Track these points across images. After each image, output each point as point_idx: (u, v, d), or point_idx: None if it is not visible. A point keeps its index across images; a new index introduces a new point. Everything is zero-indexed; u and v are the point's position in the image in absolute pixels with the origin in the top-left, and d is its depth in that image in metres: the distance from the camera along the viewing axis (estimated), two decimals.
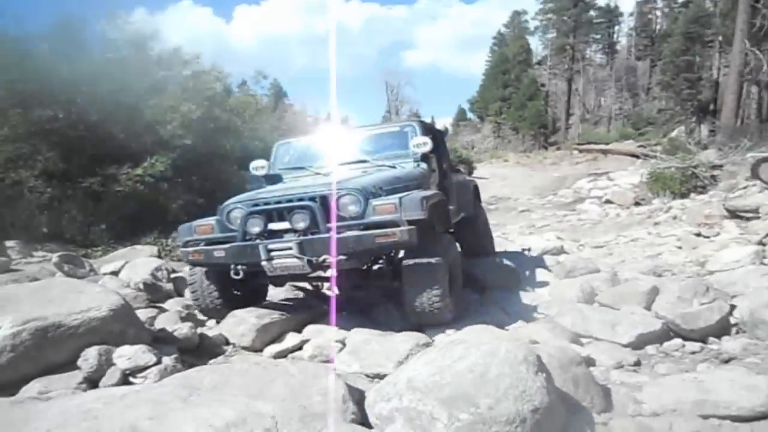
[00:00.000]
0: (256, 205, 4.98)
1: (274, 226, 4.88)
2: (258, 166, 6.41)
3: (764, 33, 27.37)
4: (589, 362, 4.19)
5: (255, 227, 4.87)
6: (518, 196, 22.20)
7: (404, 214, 4.53)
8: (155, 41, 11.74)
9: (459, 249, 6.60)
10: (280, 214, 4.87)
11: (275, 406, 2.15)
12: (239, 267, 4.93)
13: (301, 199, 4.83)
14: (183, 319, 5.34)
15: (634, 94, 57.72)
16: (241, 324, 5.06)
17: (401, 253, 5.21)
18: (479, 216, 8.05)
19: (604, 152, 36.33)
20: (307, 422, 2.09)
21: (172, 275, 6.94)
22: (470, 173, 27.51)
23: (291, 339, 4.99)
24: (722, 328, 5.04)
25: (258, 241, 4.83)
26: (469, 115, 62.33)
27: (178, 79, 11.09)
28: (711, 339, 4.94)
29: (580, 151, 39.46)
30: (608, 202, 16.88)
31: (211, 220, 5.26)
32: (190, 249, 5.19)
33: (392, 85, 56.36)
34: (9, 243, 8.34)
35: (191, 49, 12.23)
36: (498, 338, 4.01)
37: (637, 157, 28.04)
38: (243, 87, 14.13)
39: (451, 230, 6.57)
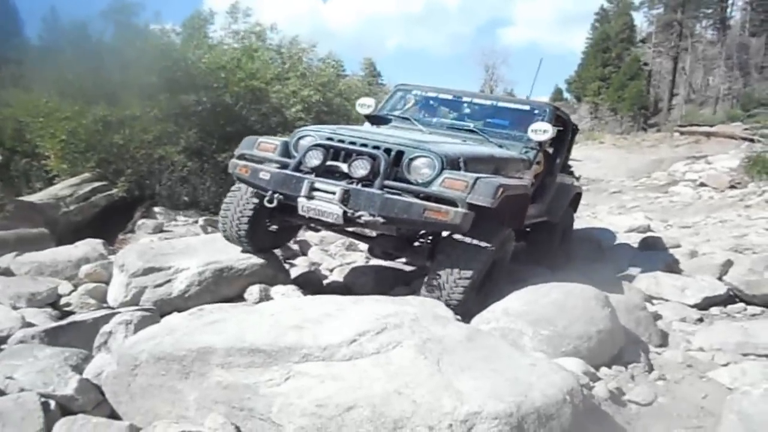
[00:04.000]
0: (330, 139, 4.55)
1: (333, 164, 4.42)
2: (364, 104, 6.02)
3: None
4: (656, 316, 4.97)
5: (313, 160, 4.43)
6: (611, 178, 22.36)
7: (472, 197, 3.95)
8: (273, 32, 13.12)
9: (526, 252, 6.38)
10: (347, 155, 4.39)
11: (416, 309, 3.16)
12: (276, 195, 4.40)
13: (375, 147, 4.33)
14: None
15: (745, 73, 54.66)
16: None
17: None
18: (563, 226, 6.95)
19: (708, 135, 35.11)
20: (437, 319, 3.08)
21: (298, 239, 8.09)
22: None
23: None
24: None
25: (306, 175, 4.39)
26: (566, 95, 61.01)
27: (297, 68, 12.33)
28: None
29: (682, 133, 38.28)
30: (702, 185, 16.99)
31: (277, 140, 4.88)
32: (241, 162, 4.76)
33: (488, 65, 56.07)
34: (156, 209, 9.81)
35: (307, 38, 13.51)
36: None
37: (743, 140, 27.32)
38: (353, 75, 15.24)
39: (526, 228, 6.10)
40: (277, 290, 5.12)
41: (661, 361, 3.90)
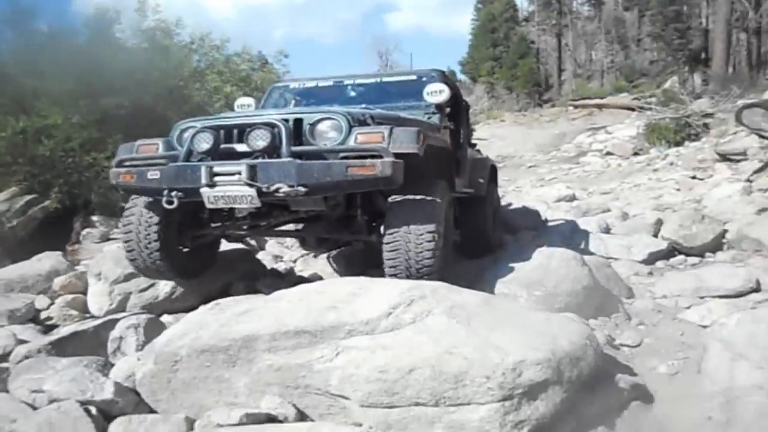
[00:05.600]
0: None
1: (227, 147, 3.95)
2: (242, 104, 5.63)
3: None
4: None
5: (203, 143, 3.88)
6: (522, 153, 23.37)
7: (393, 146, 3.61)
8: (180, 27, 12.88)
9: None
10: (240, 134, 3.93)
11: (428, 282, 3.45)
12: (174, 194, 3.87)
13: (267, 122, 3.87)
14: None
15: (624, 46, 57.81)
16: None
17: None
18: (490, 200, 6.40)
19: (600, 107, 36.92)
20: (450, 289, 3.36)
21: None
22: None
23: None
24: (716, 245, 6.33)
25: (201, 162, 3.87)
26: (460, 76, 62.30)
27: (215, 65, 12.24)
28: (707, 254, 6.22)
29: (576, 107, 40.04)
30: (609, 153, 18.10)
31: (157, 140, 4.31)
32: (122, 169, 4.18)
33: (381, 51, 56.56)
34: (94, 218, 9.56)
35: (217, 34, 13.32)
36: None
37: (633, 109, 29.02)
38: (266, 66, 15.12)
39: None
40: (263, 283, 5.24)
41: (634, 309, 4.37)
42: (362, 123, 3.92)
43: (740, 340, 3.15)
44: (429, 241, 3.79)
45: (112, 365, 3.66)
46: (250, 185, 3.70)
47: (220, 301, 3.96)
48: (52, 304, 5.17)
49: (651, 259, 6.01)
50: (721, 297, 4.50)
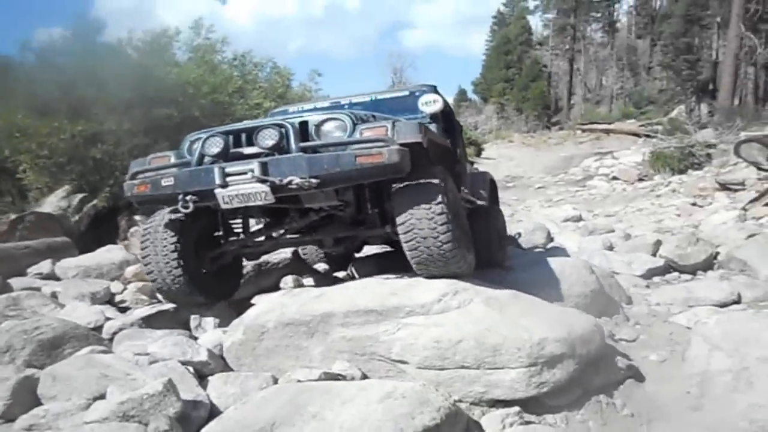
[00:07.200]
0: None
1: (237, 151, 4.08)
2: None
3: (759, 17, 29.30)
4: None
5: (214, 147, 4.01)
6: (531, 174, 24.23)
7: (398, 137, 3.74)
8: (225, 44, 13.86)
9: None
10: (249, 137, 4.08)
11: (469, 285, 4.24)
12: (189, 197, 3.96)
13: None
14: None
15: (635, 73, 58.58)
16: None
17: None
18: (493, 215, 6.13)
19: (607, 132, 37.60)
20: (484, 285, 4.15)
21: None
22: (479, 154, 29.30)
23: None
24: (708, 265, 7.09)
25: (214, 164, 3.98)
26: (471, 95, 62.73)
27: (255, 81, 13.15)
28: (699, 272, 6.98)
29: (583, 130, 40.76)
30: (615, 178, 18.95)
31: (168, 153, 4.46)
32: (136, 180, 4.28)
33: (396, 68, 57.36)
34: (137, 217, 10.39)
35: (261, 53, 14.32)
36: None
37: (639, 136, 29.84)
38: (301, 85, 16.01)
39: None
40: (308, 280, 6.02)
41: (632, 313, 5.15)
42: (365, 122, 4.05)
43: (717, 335, 3.90)
44: (439, 214, 3.86)
45: (196, 338, 4.44)
46: (263, 181, 3.77)
47: (292, 290, 4.73)
48: (125, 289, 5.95)
49: (649, 274, 6.77)
50: (706, 306, 5.26)
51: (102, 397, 3.35)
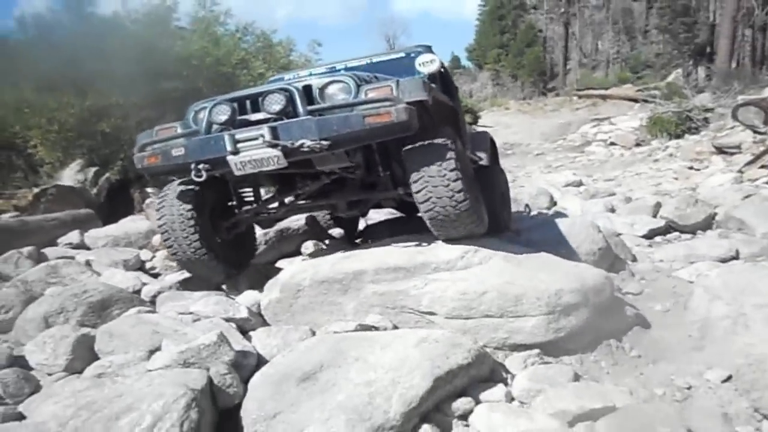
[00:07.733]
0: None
1: (244, 118, 4.10)
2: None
3: None
4: None
5: (221, 115, 4.05)
6: (529, 141, 24.42)
7: (403, 96, 3.77)
8: (228, 16, 14.00)
9: None
10: (255, 103, 4.11)
11: (488, 243, 4.55)
12: (201, 166, 4.01)
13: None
14: None
15: (631, 37, 57.99)
16: None
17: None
18: (495, 173, 6.10)
19: (603, 97, 37.48)
20: (502, 243, 4.46)
21: None
22: (475, 122, 29.37)
23: None
24: (707, 225, 7.40)
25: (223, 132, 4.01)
26: (464, 62, 61.83)
27: (259, 53, 13.33)
28: (699, 231, 7.29)
29: (580, 96, 40.61)
30: (612, 144, 19.17)
31: (174, 123, 4.49)
32: (146, 152, 4.33)
33: (388, 35, 56.73)
34: (149, 189, 10.65)
35: (263, 24, 14.46)
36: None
37: (636, 101, 29.90)
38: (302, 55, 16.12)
39: None
40: (326, 244, 6.35)
41: (637, 269, 5.48)
42: (368, 83, 4.07)
43: (717, 286, 4.22)
44: (452, 170, 3.94)
45: (232, 298, 4.75)
46: (275, 146, 3.82)
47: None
48: (153, 256, 6.26)
49: (651, 234, 7.09)
50: (707, 261, 5.59)
51: (157, 349, 3.67)
